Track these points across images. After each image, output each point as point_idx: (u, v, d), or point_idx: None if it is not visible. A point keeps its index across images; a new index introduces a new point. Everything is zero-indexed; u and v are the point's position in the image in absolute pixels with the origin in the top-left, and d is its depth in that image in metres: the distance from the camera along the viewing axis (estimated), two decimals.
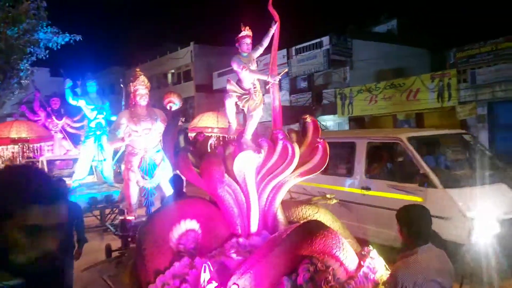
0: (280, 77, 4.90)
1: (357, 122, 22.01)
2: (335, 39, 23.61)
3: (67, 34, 10.09)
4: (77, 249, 5.26)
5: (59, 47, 10.10)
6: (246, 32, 5.07)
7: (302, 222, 4.62)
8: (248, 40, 5.02)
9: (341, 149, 8.04)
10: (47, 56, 10.13)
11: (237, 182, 4.60)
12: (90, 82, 10.75)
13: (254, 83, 4.83)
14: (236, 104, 4.89)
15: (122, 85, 8.16)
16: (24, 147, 10.32)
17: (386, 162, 7.73)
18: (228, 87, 4.86)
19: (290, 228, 4.21)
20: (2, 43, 6.65)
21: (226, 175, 4.47)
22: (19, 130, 9.57)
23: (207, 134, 11.63)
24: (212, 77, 31.97)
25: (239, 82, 4.85)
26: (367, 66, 23.04)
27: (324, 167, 4.80)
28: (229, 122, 5.04)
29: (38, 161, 14.38)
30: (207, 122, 11.43)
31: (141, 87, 7.37)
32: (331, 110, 22.77)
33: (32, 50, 9.19)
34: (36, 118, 13.86)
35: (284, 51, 25.90)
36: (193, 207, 4.59)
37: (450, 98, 16.77)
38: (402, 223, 2.79)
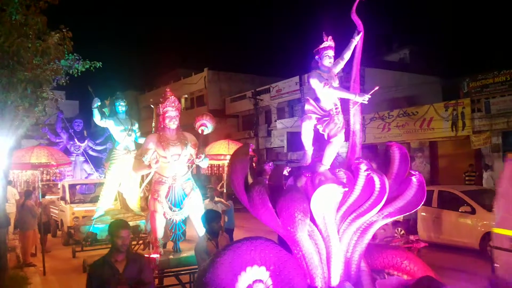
0: (370, 96, 4.11)
1: (370, 150, 21.94)
2: (348, 67, 23.75)
3: (88, 61, 10.24)
4: None
5: (79, 73, 10.25)
6: (329, 42, 4.24)
7: (416, 279, 3.83)
8: (331, 53, 4.25)
9: None
10: (68, 82, 10.29)
11: (314, 222, 3.86)
12: (119, 102, 9.93)
13: (335, 103, 4.14)
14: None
15: (152, 106, 7.72)
16: (44, 171, 10.14)
17: None
18: (307, 107, 4.14)
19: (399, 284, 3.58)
20: (29, 74, 6.81)
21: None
22: (39, 156, 9.57)
23: (219, 162, 11.29)
24: (225, 102, 32.32)
25: (317, 102, 4.13)
26: (380, 94, 22.95)
27: (420, 205, 3.99)
28: (304, 149, 4.25)
29: (58, 184, 14.13)
30: (219, 149, 11.29)
31: (171, 109, 6.70)
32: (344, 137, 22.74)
33: (53, 78, 9.38)
34: (58, 140, 13.57)
35: (297, 78, 26.19)
36: (260, 250, 3.75)
37: (464, 127, 16.70)
38: None
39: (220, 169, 10.16)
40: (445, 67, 25.93)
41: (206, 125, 7.09)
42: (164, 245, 7.48)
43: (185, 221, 6.97)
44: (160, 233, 6.69)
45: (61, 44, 7.91)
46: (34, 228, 9.90)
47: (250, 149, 4.32)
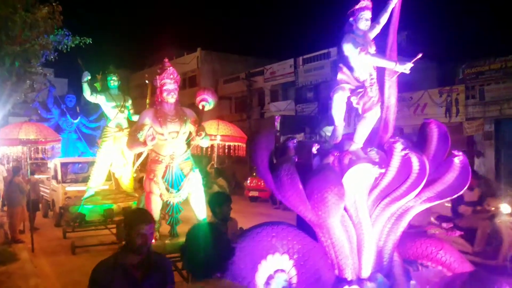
0: (412, 64, 3.67)
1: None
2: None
3: (77, 37, 9.97)
4: None
5: (68, 49, 9.98)
6: (366, 2, 3.70)
7: (467, 274, 3.44)
8: (368, 14, 3.70)
9: None
10: (57, 58, 10.02)
11: (344, 207, 3.46)
12: (111, 76, 9.43)
13: (371, 72, 3.62)
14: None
15: (147, 81, 7.56)
16: (33, 148, 9.82)
17: None
18: (340, 76, 3.63)
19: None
20: (18, 47, 6.59)
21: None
22: (28, 132, 9.28)
23: (209, 143, 10.90)
24: (218, 83, 32.01)
25: (350, 71, 3.64)
26: None
27: (464, 189, 3.57)
28: (334, 125, 3.75)
29: (47, 163, 13.42)
30: (209, 130, 10.83)
31: (169, 81, 6.14)
32: None
33: (42, 52, 9.14)
34: (49, 116, 12.99)
35: (292, 60, 25.94)
36: (282, 237, 3.38)
37: (458, 114, 16.72)
38: None
39: (209, 149, 9.93)
40: (441, 53, 25.85)
41: (207, 100, 6.58)
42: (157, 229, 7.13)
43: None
44: (156, 215, 6.12)
45: (50, 18, 7.70)
46: (22, 204, 9.77)
47: (276, 123, 3.88)
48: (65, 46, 9.87)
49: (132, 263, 2.51)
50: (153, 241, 5.49)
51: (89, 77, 9.09)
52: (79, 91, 10.69)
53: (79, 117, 12.95)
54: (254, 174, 18.26)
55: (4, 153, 10.69)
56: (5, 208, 9.88)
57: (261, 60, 30.54)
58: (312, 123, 24.08)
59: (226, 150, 10.65)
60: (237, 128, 11.33)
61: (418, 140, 3.83)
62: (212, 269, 2.09)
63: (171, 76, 6.18)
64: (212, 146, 10.81)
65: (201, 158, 14.77)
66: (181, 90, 6.67)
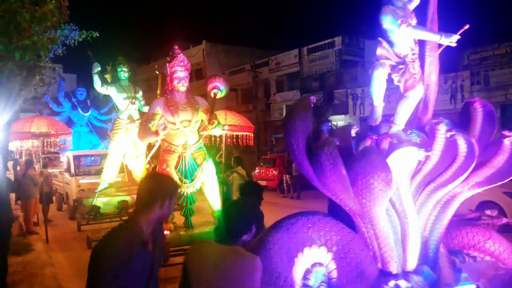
0: (459, 37, 3.25)
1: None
2: (347, 39, 23.61)
3: (84, 31, 10.10)
4: None
5: (76, 44, 10.11)
6: None
7: None
8: None
9: None
10: (65, 52, 10.15)
11: None
12: (121, 67, 9.27)
13: (412, 47, 3.30)
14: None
15: (157, 72, 7.39)
16: (45, 141, 9.89)
17: None
18: (379, 51, 3.37)
19: None
20: (27, 41, 6.74)
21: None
22: (39, 125, 9.40)
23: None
24: (224, 75, 32.10)
25: (390, 45, 3.34)
26: None
27: None
28: (373, 105, 3.44)
29: (60, 157, 13.38)
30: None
31: (180, 69, 5.93)
32: (342, 110, 22.79)
33: (50, 47, 9.30)
34: (60, 110, 12.94)
35: (296, 51, 25.97)
36: (319, 228, 3.11)
37: (463, 100, 16.71)
38: None
39: (217, 139, 10.03)
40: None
41: (219, 88, 6.32)
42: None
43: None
44: None
45: (58, 12, 7.84)
46: (36, 196, 9.99)
47: (312, 104, 3.40)
48: (73, 41, 10.00)
49: (147, 235, 2.16)
50: (168, 232, 5.62)
51: (99, 68, 9.05)
52: (88, 86, 10.72)
53: (90, 110, 12.86)
54: (262, 163, 18.43)
55: (17, 147, 10.85)
56: (19, 202, 10.10)
57: (266, 51, 30.58)
58: (318, 113, 24.15)
59: (234, 139, 10.73)
60: (245, 118, 11.44)
61: (460, 122, 3.52)
62: (237, 233, 2.36)
63: (182, 64, 5.99)
64: (220, 136, 10.91)
65: (208, 148, 14.91)
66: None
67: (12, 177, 10.79)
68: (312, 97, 3.35)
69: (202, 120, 6.20)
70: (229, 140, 10.63)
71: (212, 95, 6.32)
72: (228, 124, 10.03)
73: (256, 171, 18.10)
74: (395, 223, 3.23)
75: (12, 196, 9.53)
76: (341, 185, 3.02)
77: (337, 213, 3.38)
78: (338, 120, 24.03)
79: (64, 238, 9.58)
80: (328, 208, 3.84)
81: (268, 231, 3.12)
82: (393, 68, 3.30)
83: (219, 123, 6.21)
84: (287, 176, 16.01)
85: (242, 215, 2.40)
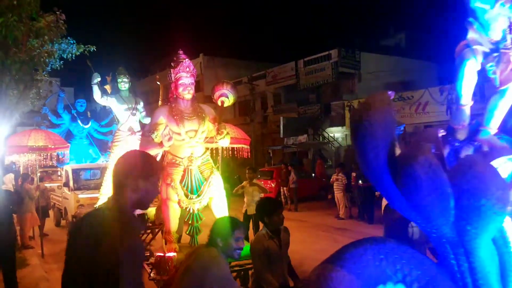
0: None
1: None
2: (344, 51, 23.80)
3: (82, 45, 10.17)
4: None
5: (74, 57, 10.17)
6: None
7: None
8: None
9: None
10: (62, 66, 10.22)
11: None
12: (122, 78, 8.96)
13: (509, 31, 2.60)
14: None
15: (158, 82, 6.93)
16: (42, 155, 9.75)
17: None
18: (470, 35, 2.62)
19: None
20: (24, 55, 6.78)
21: None
22: (36, 139, 9.25)
23: (213, 145, 10.61)
24: None
25: (483, 28, 2.64)
26: (375, 79, 23.15)
27: None
28: (458, 104, 2.74)
29: (58, 170, 13.01)
30: (213, 132, 10.78)
31: (185, 75, 5.51)
32: (339, 121, 22.87)
33: (47, 61, 9.34)
34: (59, 122, 12.65)
35: (293, 63, 26.17)
36: (394, 260, 2.31)
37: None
38: None
39: (214, 152, 9.98)
40: (441, 51, 25.98)
41: (227, 96, 5.88)
42: (179, 240, 6.39)
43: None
44: (174, 225, 5.46)
45: (54, 26, 7.91)
46: (31, 210, 9.91)
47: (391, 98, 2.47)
48: (70, 55, 10.06)
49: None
50: (174, 254, 5.11)
51: (99, 79, 8.82)
52: (87, 98, 10.61)
53: (90, 122, 12.56)
54: (259, 176, 18.38)
55: (14, 161, 10.74)
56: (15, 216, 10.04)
57: (263, 64, 30.79)
58: (315, 124, 24.24)
59: (230, 152, 10.70)
60: (240, 130, 11.44)
61: None
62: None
63: (187, 69, 5.57)
64: (217, 148, 10.84)
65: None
66: None
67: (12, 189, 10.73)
68: (390, 92, 2.43)
69: (209, 130, 5.75)
70: (225, 152, 10.60)
71: (219, 103, 5.88)
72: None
73: None
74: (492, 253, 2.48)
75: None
76: (441, 207, 2.29)
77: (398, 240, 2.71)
78: (335, 132, 24.12)
79: (60, 252, 9.32)
80: (386, 230, 3.33)
81: (326, 266, 2.29)
82: (486, 56, 2.63)
83: (228, 133, 5.76)
84: (285, 188, 15.97)
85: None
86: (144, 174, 1.91)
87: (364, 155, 2.38)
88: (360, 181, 12.50)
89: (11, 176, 11.62)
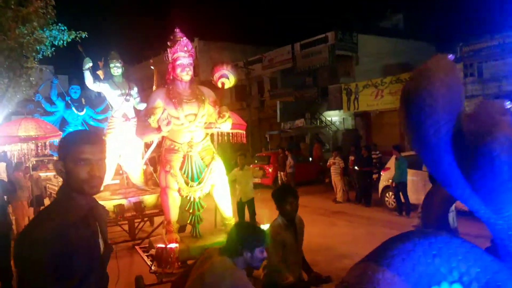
0: None
1: (363, 118, 21.97)
2: (340, 34, 23.53)
3: (73, 31, 9.96)
4: None
5: (65, 44, 9.98)
6: None
7: None
8: None
9: None
10: (54, 53, 10.03)
11: None
12: (114, 63, 8.66)
13: None
14: None
15: (152, 67, 6.71)
16: (39, 144, 9.54)
17: None
18: None
19: None
20: (12, 42, 6.62)
21: None
22: (27, 128, 9.08)
23: (209, 131, 10.53)
24: None
25: None
26: (373, 61, 22.96)
27: None
28: None
29: (54, 159, 13.35)
30: (209, 118, 10.67)
31: (183, 54, 5.13)
32: (336, 105, 22.73)
33: (38, 48, 9.17)
34: (53, 109, 12.16)
35: (289, 47, 25.88)
36: (449, 256, 1.90)
37: None
38: None
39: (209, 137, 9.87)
40: (439, 32, 25.74)
41: (227, 76, 5.58)
42: (183, 229, 6.15)
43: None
44: (174, 214, 5.23)
45: (44, 13, 7.71)
46: (21, 200, 9.81)
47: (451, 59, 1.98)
48: (62, 41, 9.87)
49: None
50: (176, 245, 4.95)
51: (91, 64, 8.49)
52: (81, 86, 10.40)
53: (85, 109, 12.06)
54: (256, 161, 18.34)
55: (6, 150, 10.60)
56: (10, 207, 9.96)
57: (259, 47, 30.46)
58: (312, 108, 24.11)
59: (225, 137, 10.57)
60: (236, 115, 11.32)
61: None
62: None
63: (185, 49, 5.19)
64: (212, 134, 10.68)
65: None
66: None
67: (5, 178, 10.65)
68: (450, 55, 1.87)
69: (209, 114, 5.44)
70: (220, 138, 10.49)
71: (219, 85, 5.54)
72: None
73: None
74: None
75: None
76: None
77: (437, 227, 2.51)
78: (333, 116, 24.00)
79: None
80: (423, 219, 3.12)
81: (369, 265, 1.87)
82: None
83: (229, 116, 5.44)
84: (282, 173, 15.93)
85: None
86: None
87: (421, 131, 1.83)
88: (356, 167, 12.46)
89: (3, 165, 11.49)
